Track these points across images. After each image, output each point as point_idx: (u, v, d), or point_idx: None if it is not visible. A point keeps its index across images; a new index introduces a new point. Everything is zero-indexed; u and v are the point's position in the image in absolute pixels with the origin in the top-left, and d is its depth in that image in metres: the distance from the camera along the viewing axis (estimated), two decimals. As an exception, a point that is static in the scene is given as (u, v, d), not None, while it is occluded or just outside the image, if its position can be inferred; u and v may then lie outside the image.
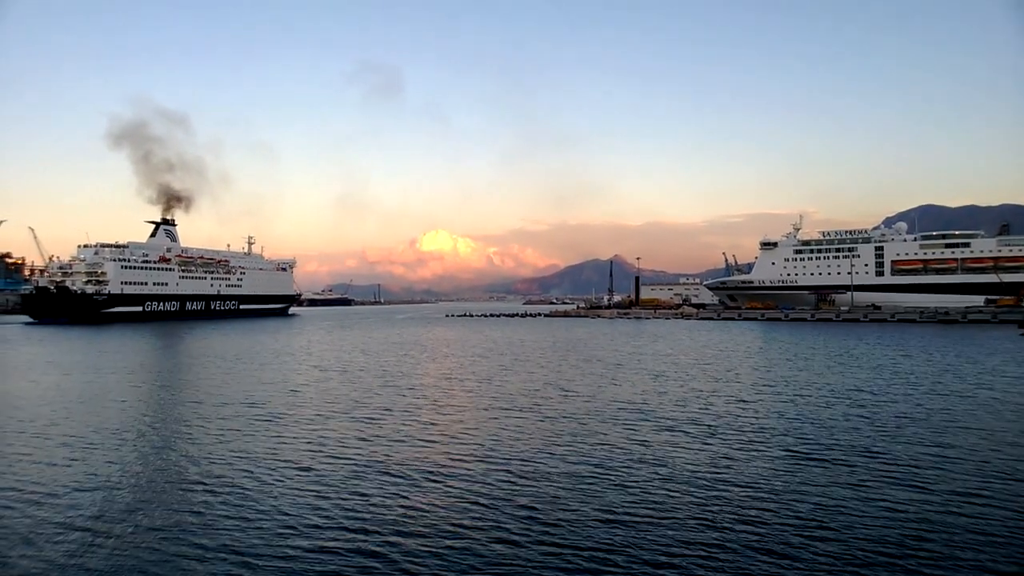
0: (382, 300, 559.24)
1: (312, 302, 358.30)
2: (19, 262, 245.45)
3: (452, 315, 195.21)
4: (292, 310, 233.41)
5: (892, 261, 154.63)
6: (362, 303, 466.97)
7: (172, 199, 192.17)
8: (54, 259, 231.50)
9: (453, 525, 16.37)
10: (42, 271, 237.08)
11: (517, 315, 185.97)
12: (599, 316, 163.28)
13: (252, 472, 21.10)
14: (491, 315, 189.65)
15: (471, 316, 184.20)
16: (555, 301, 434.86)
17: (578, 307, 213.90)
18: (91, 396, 37.17)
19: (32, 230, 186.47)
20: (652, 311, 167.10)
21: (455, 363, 55.77)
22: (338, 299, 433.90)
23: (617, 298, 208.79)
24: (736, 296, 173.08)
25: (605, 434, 26.38)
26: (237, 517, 16.92)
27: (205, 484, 19.82)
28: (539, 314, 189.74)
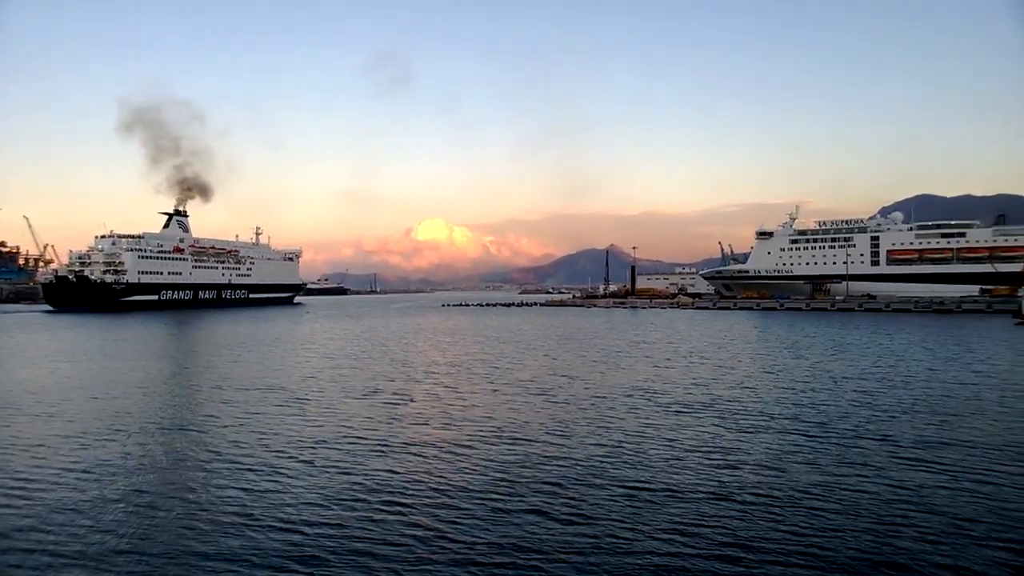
0: (378, 289, 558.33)
1: (308, 291, 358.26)
2: (13, 251, 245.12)
3: (448, 305, 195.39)
4: (297, 299, 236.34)
5: (888, 251, 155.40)
6: (358, 292, 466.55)
7: (184, 189, 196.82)
8: (49, 248, 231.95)
9: (481, 499, 17.04)
10: (37, 260, 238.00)
11: (513, 304, 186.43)
12: (595, 305, 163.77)
13: (283, 454, 21.76)
14: (487, 304, 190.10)
15: (467, 305, 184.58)
16: (551, 291, 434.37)
17: (574, 296, 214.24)
18: (126, 381, 37.87)
19: (27, 219, 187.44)
20: (648, 300, 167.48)
21: (459, 351, 56.30)
22: (334, 288, 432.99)
23: (613, 288, 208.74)
24: (732, 286, 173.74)
25: (615, 418, 27.02)
26: (278, 493, 17.58)
27: (241, 463, 20.54)
28: (535, 303, 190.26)
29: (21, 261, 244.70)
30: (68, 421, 26.87)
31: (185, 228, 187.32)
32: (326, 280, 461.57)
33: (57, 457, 21.30)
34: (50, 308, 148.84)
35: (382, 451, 22.04)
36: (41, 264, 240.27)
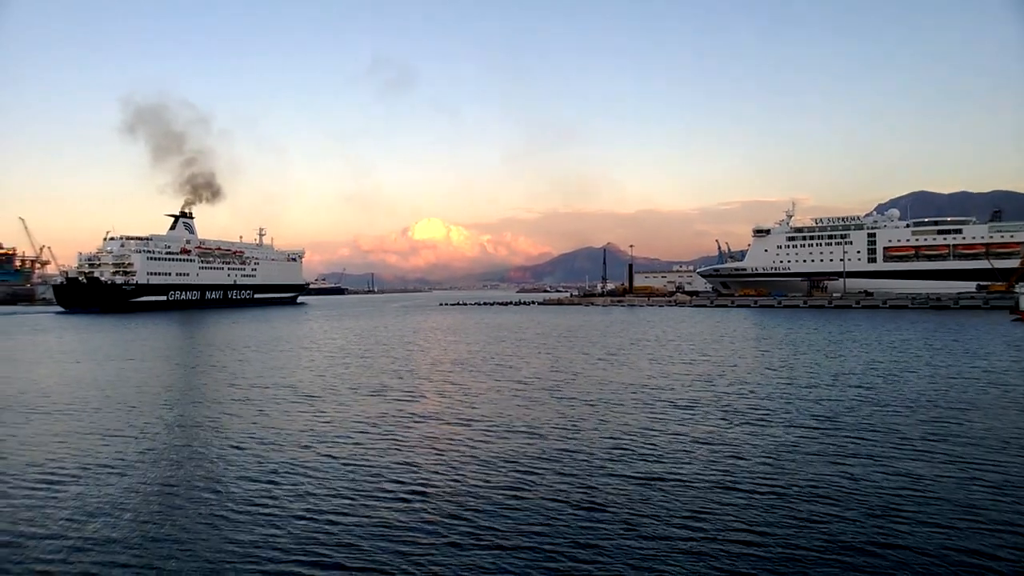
0: (376, 289, 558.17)
1: (307, 291, 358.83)
2: (10, 252, 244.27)
3: (446, 304, 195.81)
4: (300, 299, 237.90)
5: (884, 248, 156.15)
6: (355, 292, 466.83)
7: (194, 187, 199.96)
8: (46, 249, 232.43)
9: (499, 489, 17.61)
10: (33, 261, 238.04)
11: (511, 303, 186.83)
12: (592, 304, 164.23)
13: (302, 448, 22.32)
14: (485, 303, 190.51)
15: (465, 304, 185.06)
16: (548, 289, 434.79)
17: (572, 295, 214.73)
18: (143, 380, 38.57)
19: (23, 220, 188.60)
20: (646, 299, 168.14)
21: (462, 349, 56.82)
22: (332, 288, 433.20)
23: (610, 286, 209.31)
24: (729, 283, 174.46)
25: (622, 412, 27.59)
26: (302, 485, 18.14)
27: (262, 457, 21.07)
28: (533, 302, 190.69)
29: (17, 263, 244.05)
30: (87, 418, 27.37)
31: (191, 230, 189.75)
32: (323, 280, 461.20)
33: (78, 453, 21.79)
34: (61, 309, 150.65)
35: (399, 445, 22.59)
36: (38, 265, 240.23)
